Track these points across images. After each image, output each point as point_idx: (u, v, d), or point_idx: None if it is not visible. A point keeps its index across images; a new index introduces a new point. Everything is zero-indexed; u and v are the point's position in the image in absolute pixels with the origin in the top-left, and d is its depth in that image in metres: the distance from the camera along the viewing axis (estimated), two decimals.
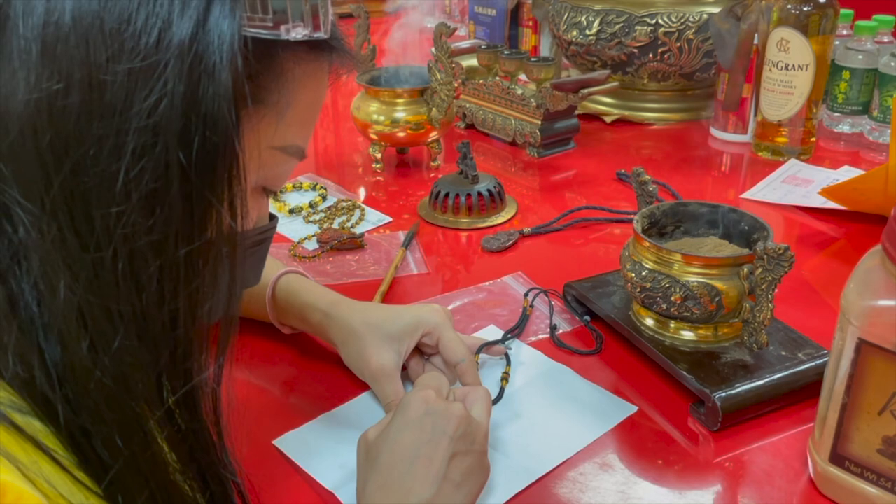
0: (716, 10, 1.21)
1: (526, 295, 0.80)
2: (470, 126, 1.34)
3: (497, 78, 1.26)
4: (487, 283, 0.84)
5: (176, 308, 0.36)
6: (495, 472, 0.57)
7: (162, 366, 0.37)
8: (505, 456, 0.59)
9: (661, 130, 1.34)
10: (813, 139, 1.17)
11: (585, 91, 1.15)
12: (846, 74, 1.22)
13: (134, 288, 0.34)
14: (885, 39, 1.25)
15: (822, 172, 1.11)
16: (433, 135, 1.13)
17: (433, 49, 1.08)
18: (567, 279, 0.79)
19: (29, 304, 0.35)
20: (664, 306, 0.66)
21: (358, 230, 0.97)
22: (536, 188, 1.11)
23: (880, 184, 0.88)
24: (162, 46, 0.33)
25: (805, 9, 1.08)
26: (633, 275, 0.67)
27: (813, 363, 0.64)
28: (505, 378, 0.68)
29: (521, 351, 0.73)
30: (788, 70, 1.11)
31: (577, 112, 1.23)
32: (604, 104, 1.40)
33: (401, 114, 1.10)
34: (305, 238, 0.95)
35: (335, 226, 0.99)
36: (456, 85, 1.08)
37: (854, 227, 0.96)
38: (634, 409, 0.64)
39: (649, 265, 0.66)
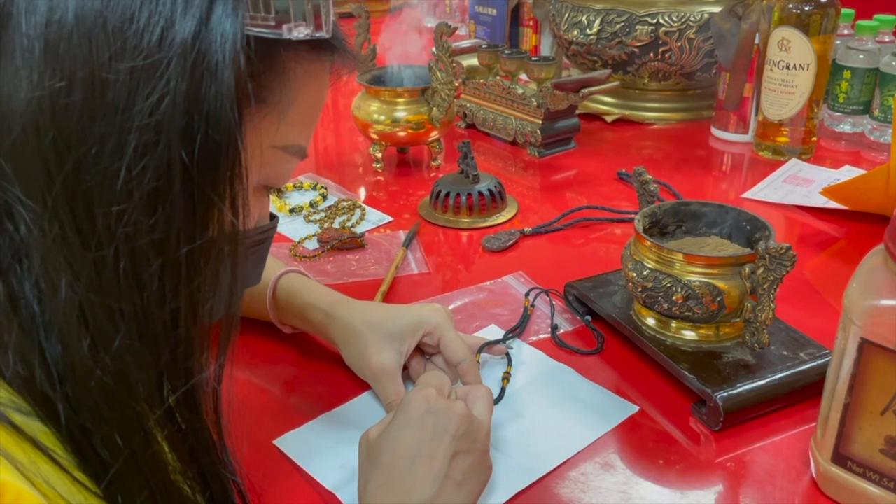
0: (717, 9, 1.21)
1: (527, 294, 0.80)
2: (470, 126, 1.34)
3: (498, 77, 1.26)
4: (488, 283, 0.84)
5: (177, 307, 0.36)
6: (496, 471, 0.57)
7: (163, 365, 0.37)
8: (506, 455, 0.59)
9: (662, 130, 1.34)
10: (814, 139, 1.17)
11: (586, 91, 1.15)
12: (847, 74, 1.22)
13: (135, 287, 0.34)
14: (887, 39, 1.25)
15: (823, 172, 1.11)
16: (434, 134, 1.13)
17: (434, 48, 1.08)
18: (568, 279, 0.79)
19: (30, 302, 0.34)
20: (665, 306, 0.66)
21: (358, 230, 0.97)
22: (537, 188, 1.11)
23: (881, 183, 0.88)
24: (164, 45, 0.33)
25: (806, 8, 1.08)
26: (635, 274, 0.67)
27: (815, 363, 0.64)
28: (506, 378, 0.68)
29: (523, 350, 0.72)
30: (789, 69, 1.11)
31: (577, 112, 1.23)
32: (605, 104, 1.40)
33: (401, 113, 1.10)
34: (306, 238, 0.95)
35: (336, 225, 0.99)
36: (457, 84, 1.08)
37: (855, 226, 0.96)
38: (636, 408, 0.64)
39: (651, 265, 0.66)
